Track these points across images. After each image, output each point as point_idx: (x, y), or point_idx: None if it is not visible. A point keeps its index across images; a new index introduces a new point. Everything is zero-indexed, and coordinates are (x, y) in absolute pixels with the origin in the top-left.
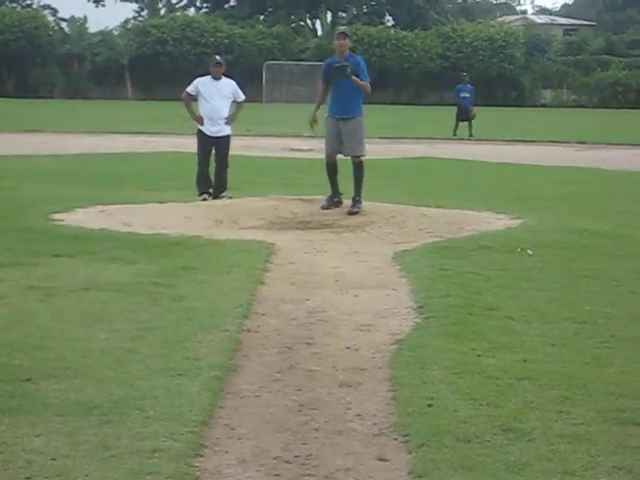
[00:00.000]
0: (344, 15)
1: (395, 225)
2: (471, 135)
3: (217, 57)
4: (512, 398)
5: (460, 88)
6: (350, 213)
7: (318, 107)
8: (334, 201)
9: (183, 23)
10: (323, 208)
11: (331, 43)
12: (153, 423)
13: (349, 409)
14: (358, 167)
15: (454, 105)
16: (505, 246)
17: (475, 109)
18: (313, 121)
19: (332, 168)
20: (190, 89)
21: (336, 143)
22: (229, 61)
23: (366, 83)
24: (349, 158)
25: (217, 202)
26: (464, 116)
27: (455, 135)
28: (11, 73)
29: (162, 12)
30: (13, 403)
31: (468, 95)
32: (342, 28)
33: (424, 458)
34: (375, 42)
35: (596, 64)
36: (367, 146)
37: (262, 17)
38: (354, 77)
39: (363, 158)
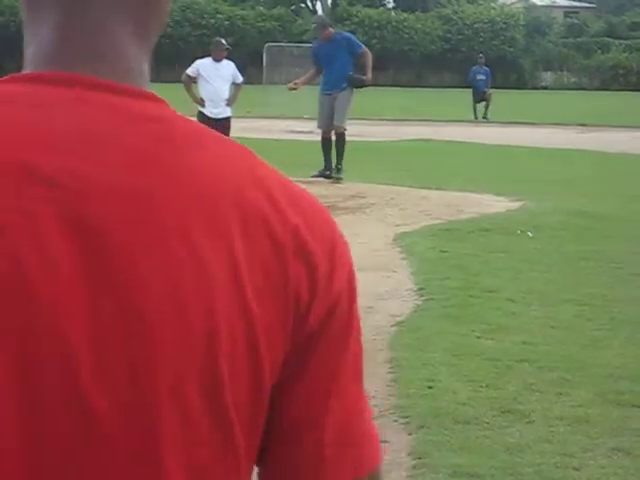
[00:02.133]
0: None
1: (395, 207)
2: (485, 117)
3: (223, 41)
4: (511, 380)
5: (475, 70)
6: (336, 178)
7: (303, 83)
8: (325, 174)
9: (183, 5)
10: (312, 176)
11: (332, 26)
12: None
13: None
14: (340, 137)
15: (467, 87)
16: (505, 228)
17: (491, 90)
18: (293, 85)
19: (327, 142)
20: (190, 71)
21: (329, 120)
22: (229, 42)
23: (367, 61)
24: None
25: None
26: (480, 97)
27: (476, 119)
28: (13, 56)
29: None
30: None
31: (484, 77)
32: (317, 19)
33: (424, 439)
34: (375, 24)
35: (597, 46)
36: (368, 127)
37: None
38: (365, 80)
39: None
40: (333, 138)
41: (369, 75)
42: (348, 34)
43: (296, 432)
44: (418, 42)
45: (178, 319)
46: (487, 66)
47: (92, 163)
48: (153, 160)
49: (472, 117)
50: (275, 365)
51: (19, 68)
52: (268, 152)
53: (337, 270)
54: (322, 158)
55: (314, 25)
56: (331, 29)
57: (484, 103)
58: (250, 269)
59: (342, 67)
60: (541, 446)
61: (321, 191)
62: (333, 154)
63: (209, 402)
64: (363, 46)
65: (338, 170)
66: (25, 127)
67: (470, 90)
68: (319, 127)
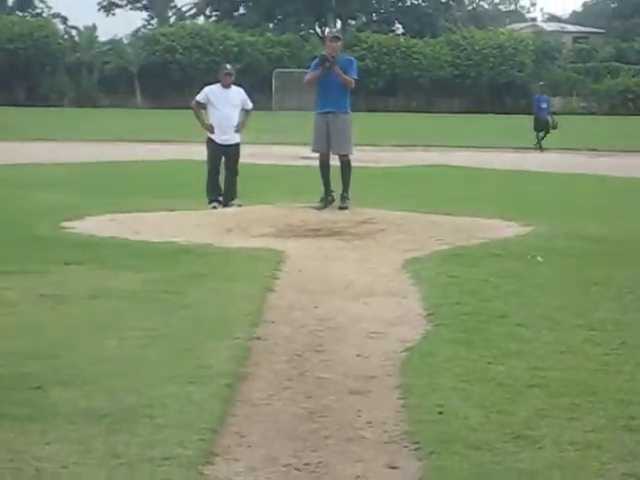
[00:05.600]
0: (353, 23)
1: (405, 233)
2: (541, 145)
3: (227, 66)
4: (522, 405)
5: (538, 98)
6: (340, 208)
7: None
8: (328, 200)
9: (192, 31)
10: (319, 209)
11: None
12: (163, 431)
13: (359, 416)
14: (346, 165)
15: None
16: (515, 253)
17: (556, 118)
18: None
19: (325, 166)
20: (200, 97)
21: (325, 143)
22: (238, 69)
23: (349, 78)
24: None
25: (227, 210)
26: (542, 127)
27: (541, 148)
28: (21, 82)
29: (171, 20)
30: (24, 411)
31: (546, 105)
32: (334, 31)
33: (434, 466)
34: (385, 50)
35: (606, 71)
36: (377, 153)
37: (271, 25)
38: (336, 67)
39: (351, 156)
40: (332, 162)
41: (350, 82)
42: (351, 58)
43: None
44: (427, 67)
45: None
46: (547, 94)
47: None
48: None
49: (536, 145)
50: None
51: (28, 91)
52: (278, 179)
53: None
54: (321, 184)
55: (330, 36)
56: (340, 43)
57: (543, 133)
58: None
59: (339, 87)
60: (552, 472)
61: (330, 217)
62: (332, 178)
63: None
64: (356, 76)
65: (344, 199)
66: None
67: (531, 117)
68: (315, 150)
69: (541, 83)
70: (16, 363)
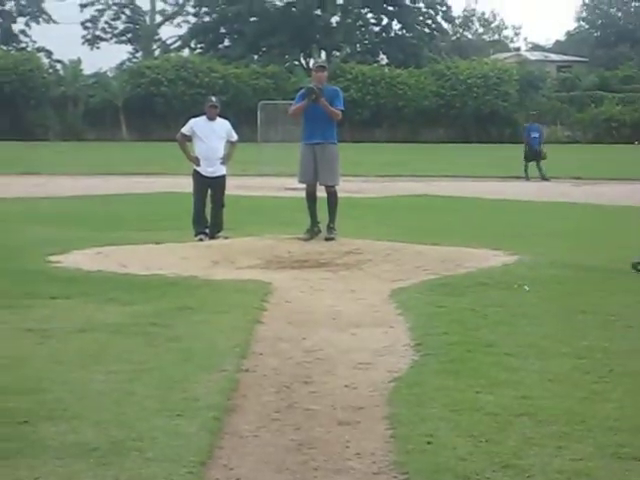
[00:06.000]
0: (338, 54)
1: (391, 263)
2: (544, 176)
3: (213, 98)
4: (511, 434)
5: (530, 127)
6: (327, 239)
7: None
8: (314, 231)
9: (177, 64)
10: (305, 240)
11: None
12: (152, 464)
13: (348, 448)
14: (332, 196)
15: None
16: (502, 282)
17: (545, 148)
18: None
19: (312, 198)
20: (185, 130)
21: (312, 175)
22: (224, 101)
23: (335, 110)
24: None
25: (213, 242)
26: (533, 156)
27: (527, 177)
28: (5, 115)
29: (156, 53)
30: (11, 446)
31: (537, 135)
32: (320, 61)
33: None
34: (369, 80)
35: (590, 100)
36: (363, 184)
37: (256, 57)
38: (322, 99)
39: (337, 187)
40: (318, 193)
41: (337, 114)
42: (337, 88)
43: None
44: (412, 98)
45: None
46: (539, 124)
47: None
48: None
49: (523, 175)
50: None
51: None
52: (264, 210)
53: None
54: (308, 216)
55: (316, 65)
56: (326, 73)
57: (533, 163)
58: None
59: (326, 117)
60: None
61: (317, 248)
62: (318, 209)
63: None
64: (342, 107)
65: (330, 230)
66: None
67: (520, 147)
68: (302, 182)
69: (532, 112)
70: (2, 398)
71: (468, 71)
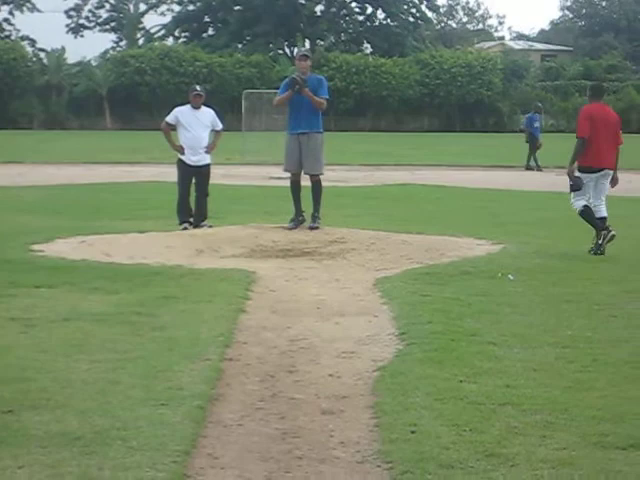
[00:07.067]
0: (322, 43)
1: (376, 252)
2: (539, 166)
3: (197, 87)
4: (495, 423)
5: (532, 117)
6: (311, 228)
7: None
8: (299, 220)
9: (161, 53)
10: (289, 229)
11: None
12: (136, 453)
13: (332, 437)
14: (316, 185)
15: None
16: (486, 272)
17: (541, 137)
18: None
19: (296, 186)
20: (169, 119)
21: (297, 164)
22: (208, 90)
23: (320, 99)
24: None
25: (198, 231)
26: (537, 145)
27: (538, 166)
28: None
29: (140, 42)
30: None
31: (538, 125)
32: (304, 50)
33: None
34: (354, 69)
35: (574, 89)
36: (347, 173)
37: (240, 46)
38: (305, 89)
39: (321, 176)
40: (303, 182)
41: (321, 104)
42: (321, 77)
43: None
44: (396, 87)
45: None
46: (537, 113)
47: None
48: None
49: (532, 164)
50: None
51: None
52: (249, 199)
53: None
54: (292, 204)
55: (299, 54)
56: (310, 61)
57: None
58: None
59: (311, 107)
60: None
61: (301, 237)
62: (303, 198)
63: None
64: (327, 96)
65: (314, 219)
66: None
67: (519, 136)
68: (287, 170)
69: (538, 104)
70: None
71: (452, 60)
